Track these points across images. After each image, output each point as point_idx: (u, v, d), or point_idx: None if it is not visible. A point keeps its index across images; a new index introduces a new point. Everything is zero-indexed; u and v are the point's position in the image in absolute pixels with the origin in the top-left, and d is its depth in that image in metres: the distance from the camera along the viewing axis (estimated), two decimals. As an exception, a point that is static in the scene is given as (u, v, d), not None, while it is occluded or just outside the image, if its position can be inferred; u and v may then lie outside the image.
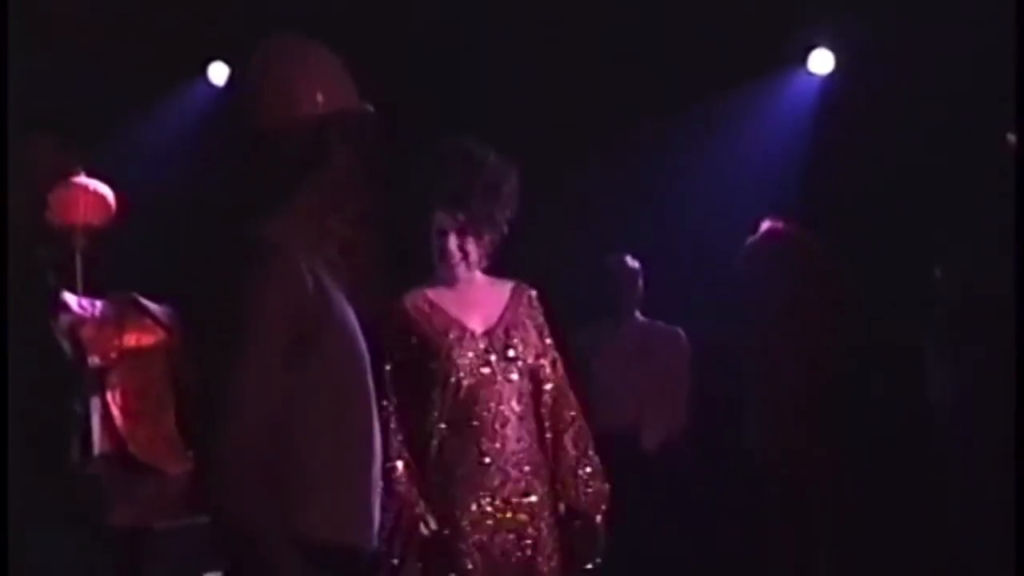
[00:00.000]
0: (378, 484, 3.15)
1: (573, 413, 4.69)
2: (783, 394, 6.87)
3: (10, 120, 4.75)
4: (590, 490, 4.62)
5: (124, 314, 5.81)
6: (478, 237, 4.59)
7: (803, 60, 8.05)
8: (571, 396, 4.72)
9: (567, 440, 4.64)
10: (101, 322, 5.75)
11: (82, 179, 6.13)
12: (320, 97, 3.11)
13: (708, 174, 7.88)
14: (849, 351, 6.94)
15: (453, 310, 4.61)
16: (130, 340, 5.78)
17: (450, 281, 4.64)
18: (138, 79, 7.58)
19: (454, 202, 4.56)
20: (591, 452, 4.68)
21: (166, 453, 5.67)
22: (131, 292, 5.85)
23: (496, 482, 4.47)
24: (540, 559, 4.52)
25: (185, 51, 7.84)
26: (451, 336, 4.54)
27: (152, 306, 5.79)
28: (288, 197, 3.10)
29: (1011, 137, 6.50)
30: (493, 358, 4.55)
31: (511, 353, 4.57)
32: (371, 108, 3.24)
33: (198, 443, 3.01)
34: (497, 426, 4.48)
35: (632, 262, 7.20)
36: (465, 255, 4.59)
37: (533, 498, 4.52)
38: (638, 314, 7.23)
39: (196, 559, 4.50)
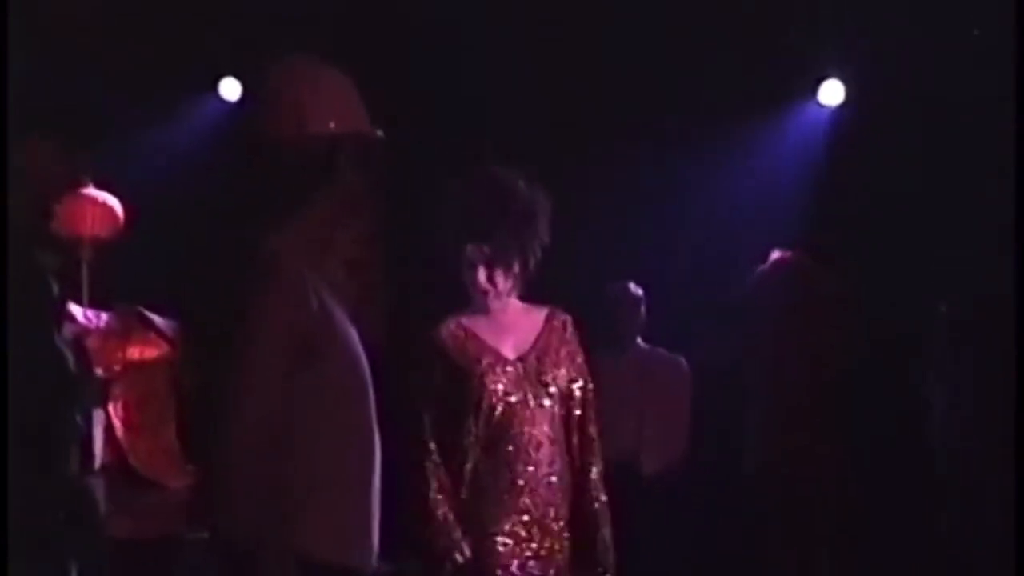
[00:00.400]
0: (376, 504, 3.15)
1: (595, 431, 4.76)
2: (785, 398, 6.89)
3: (16, 127, 4.77)
4: (600, 501, 4.69)
5: (129, 327, 5.84)
6: (507, 268, 4.63)
7: (813, 91, 8.07)
8: (594, 416, 4.78)
9: (590, 456, 4.71)
10: (106, 334, 5.78)
11: (91, 190, 6.15)
12: (332, 117, 3.14)
13: (717, 203, 7.89)
14: (851, 358, 6.95)
15: (487, 337, 4.65)
16: (134, 353, 5.81)
17: (484, 309, 4.68)
18: (150, 93, 7.61)
19: (481, 236, 4.61)
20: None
21: (167, 466, 5.69)
22: (136, 305, 5.87)
23: (529, 504, 4.51)
24: None
25: (197, 66, 7.86)
26: (484, 362, 4.59)
27: (157, 319, 5.82)
28: (295, 212, 3.13)
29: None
30: (526, 384, 4.59)
31: (544, 379, 4.62)
32: (380, 133, 3.27)
33: (199, 455, 3.02)
34: (531, 450, 4.52)
35: (635, 289, 7.20)
36: (494, 285, 4.64)
37: (562, 522, 4.57)
38: (640, 341, 7.23)
39: (195, 571, 4.51)
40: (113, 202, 6.16)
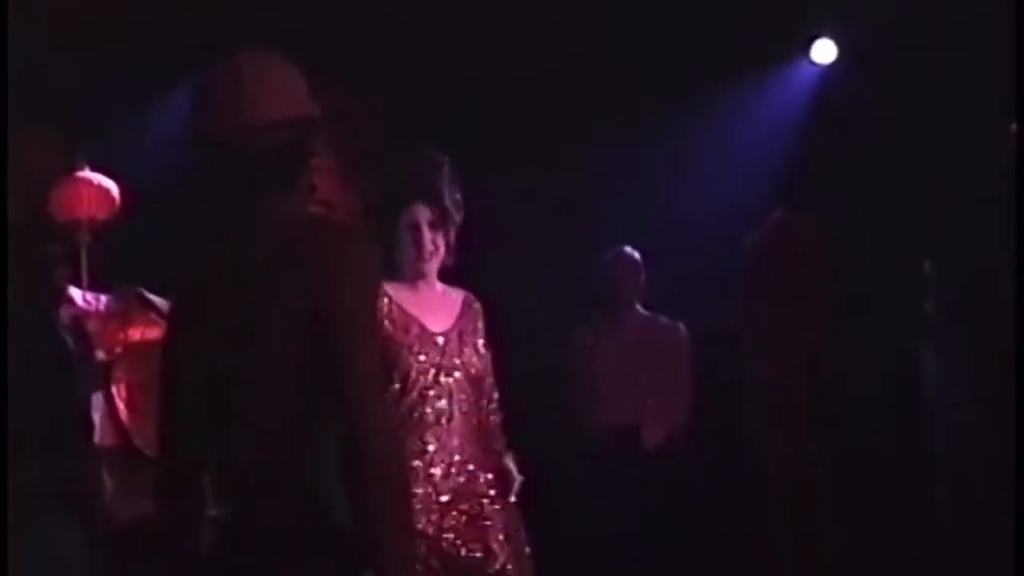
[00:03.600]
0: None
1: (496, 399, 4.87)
2: (781, 387, 6.88)
3: (15, 111, 4.78)
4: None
5: (129, 308, 5.84)
6: (447, 232, 4.71)
7: (806, 50, 8.05)
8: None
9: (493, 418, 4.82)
10: (106, 316, 5.78)
11: (87, 173, 6.16)
12: (284, 106, 3.15)
13: (709, 164, 7.88)
14: (846, 344, 6.95)
15: (412, 309, 4.69)
16: (135, 334, 5.82)
17: (412, 278, 4.72)
18: (144, 73, 7.59)
19: (429, 196, 4.68)
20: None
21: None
22: (136, 286, 5.88)
23: (439, 473, 4.57)
24: (493, 543, 4.62)
25: (191, 45, 7.84)
26: (411, 334, 4.64)
27: (157, 300, 5.81)
28: (254, 204, 3.15)
29: (1013, 127, 6.52)
30: (446, 359, 4.66)
31: (463, 358, 4.68)
32: (322, 118, 3.28)
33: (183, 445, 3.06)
34: (443, 421, 4.59)
35: (633, 254, 7.14)
36: (436, 249, 4.69)
37: (479, 482, 4.65)
38: (639, 307, 7.16)
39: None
40: (110, 184, 6.16)
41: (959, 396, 6.79)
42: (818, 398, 6.86)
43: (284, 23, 7.29)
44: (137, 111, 7.64)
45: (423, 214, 4.70)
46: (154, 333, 5.83)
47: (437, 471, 4.57)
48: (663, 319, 7.16)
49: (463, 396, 4.66)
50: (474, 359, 4.73)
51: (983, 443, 6.58)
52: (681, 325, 7.14)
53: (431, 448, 4.57)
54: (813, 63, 8.08)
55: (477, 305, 4.86)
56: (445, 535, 4.55)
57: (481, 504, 4.63)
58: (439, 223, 4.70)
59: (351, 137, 8.21)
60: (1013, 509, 5.62)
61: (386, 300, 4.66)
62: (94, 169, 6.14)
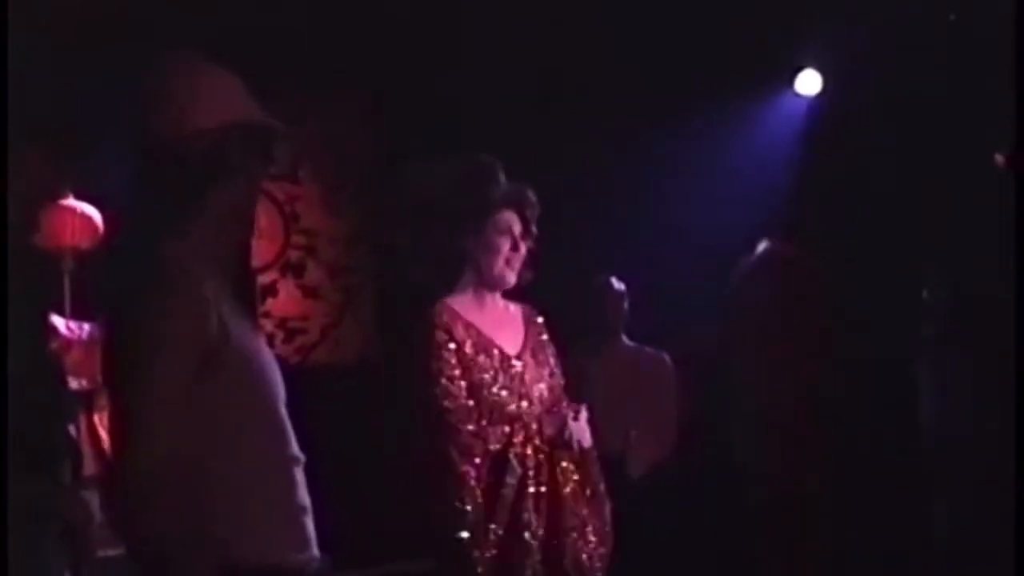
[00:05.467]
0: (301, 504, 3.13)
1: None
2: (777, 416, 6.87)
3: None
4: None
5: (112, 337, 5.81)
6: (528, 246, 4.51)
7: (790, 81, 8.09)
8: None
9: None
10: (88, 345, 5.75)
11: (71, 201, 6.14)
12: (213, 113, 3.06)
13: (696, 195, 7.88)
14: (841, 369, 6.95)
15: (486, 329, 4.47)
16: (117, 363, 5.78)
17: (479, 294, 4.48)
18: (125, 100, 7.58)
19: (520, 204, 4.48)
20: None
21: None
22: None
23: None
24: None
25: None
26: (492, 356, 4.43)
27: (140, 329, 5.79)
28: (190, 216, 3.06)
29: (999, 157, 6.54)
30: (527, 382, 4.47)
31: (538, 374, 4.51)
32: (274, 124, 3.19)
33: (111, 470, 3.00)
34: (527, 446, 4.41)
35: (618, 284, 7.12)
36: (520, 261, 4.49)
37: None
38: (624, 338, 7.16)
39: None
40: (93, 213, 6.14)
41: (958, 421, 6.80)
42: (815, 427, 6.86)
43: (276, 42, 7.31)
44: (124, 134, 7.62)
45: (514, 221, 4.48)
46: (137, 362, 5.81)
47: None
48: (648, 349, 7.15)
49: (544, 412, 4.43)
50: (550, 375, 4.53)
51: (982, 467, 6.58)
52: (666, 356, 7.13)
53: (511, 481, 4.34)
54: (798, 94, 8.11)
55: (539, 318, 4.64)
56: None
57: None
58: (525, 234, 4.49)
59: (338, 164, 8.21)
60: (1013, 531, 5.63)
61: (460, 322, 4.42)
62: (78, 197, 6.12)
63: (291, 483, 3.11)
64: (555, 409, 4.51)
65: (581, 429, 4.48)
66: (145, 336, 2.89)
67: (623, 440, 6.83)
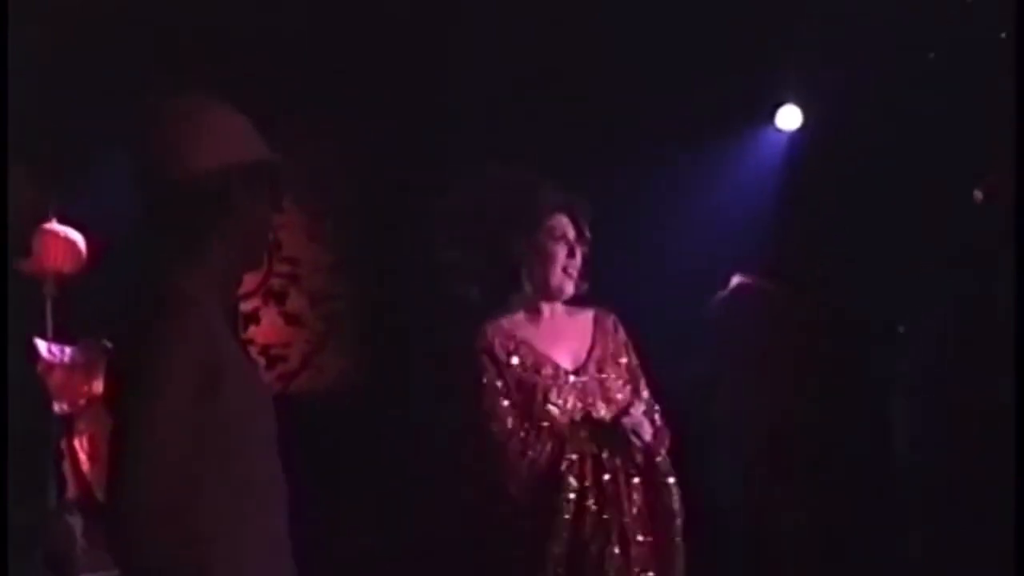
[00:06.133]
0: (284, 531, 3.21)
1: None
2: (750, 441, 6.90)
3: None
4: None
5: (93, 361, 5.84)
6: (584, 250, 4.31)
7: (771, 117, 8.07)
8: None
9: None
10: (71, 368, 5.78)
11: (54, 225, 6.17)
12: (216, 152, 3.14)
13: (676, 231, 7.91)
14: (816, 400, 6.97)
15: (540, 345, 4.25)
16: (99, 387, 5.81)
17: (535, 308, 4.26)
18: (111, 124, 7.61)
19: (572, 209, 4.28)
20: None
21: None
22: (100, 339, 5.88)
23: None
24: None
25: (162, 91, 7.86)
26: (543, 374, 4.22)
27: (122, 353, 5.81)
28: (197, 251, 3.15)
29: (978, 194, 6.59)
30: (587, 397, 4.24)
31: (604, 388, 4.28)
32: (278, 161, 3.27)
33: (107, 493, 3.04)
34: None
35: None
36: (574, 269, 4.27)
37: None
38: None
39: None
40: (76, 237, 6.18)
41: (932, 453, 6.83)
42: (789, 456, 6.88)
43: (260, 65, 7.35)
44: (108, 161, 7.66)
45: (568, 226, 4.26)
46: (118, 386, 5.83)
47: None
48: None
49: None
50: (620, 384, 4.28)
51: (960, 499, 6.62)
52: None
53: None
54: (778, 130, 8.09)
55: (612, 319, 4.40)
56: None
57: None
58: (580, 238, 4.28)
59: (320, 192, 8.24)
60: (991, 558, 5.67)
61: (511, 342, 4.20)
62: (62, 220, 6.15)
63: (276, 510, 3.19)
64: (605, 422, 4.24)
65: (636, 421, 4.21)
66: (145, 362, 2.97)
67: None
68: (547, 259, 4.23)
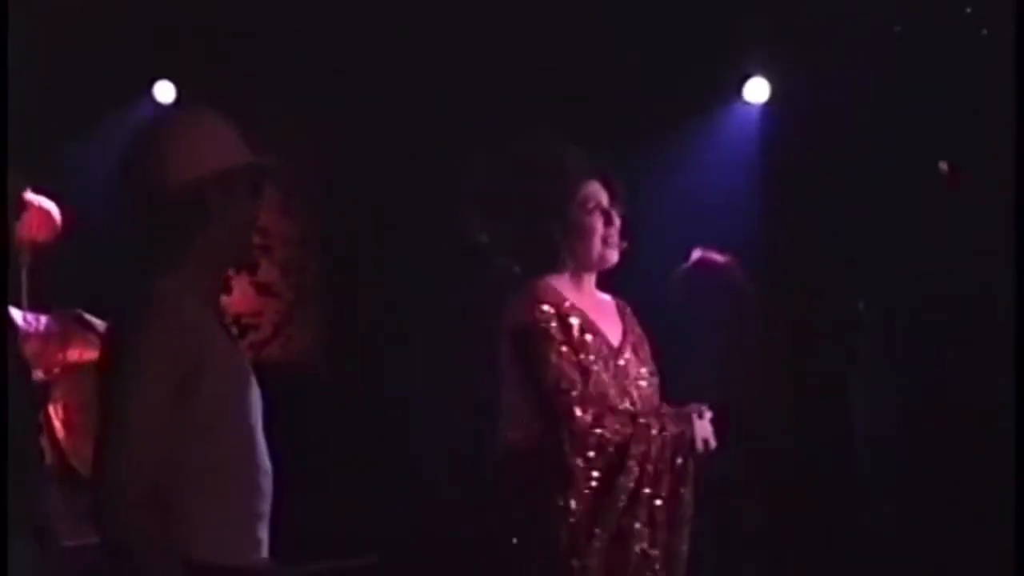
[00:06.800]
0: (266, 511, 3.41)
1: None
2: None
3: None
4: None
5: (68, 329, 5.86)
6: (618, 214, 4.10)
7: (738, 90, 8.11)
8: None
9: None
10: (45, 337, 5.80)
11: (28, 195, 6.17)
12: (195, 162, 3.32)
13: (646, 206, 7.91)
14: (775, 378, 7.02)
15: (591, 314, 4.05)
16: (73, 355, 5.84)
17: (577, 277, 4.05)
18: (85, 96, 7.64)
19: (605, 175, 4.10)
20: None
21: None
22: (75, 308, 5.91)
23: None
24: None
25: (131, 69, 7.90)
26: (595, 345, 4.03)
27: (97, 322, 5.84)
28: (180, 253, 3.35)
29: (943, 165, 6.65)
30: (624, 379, 4.08)
31: (637, 374, 4.14)
32: (256, 165, 3.44)
33: (92, 473, 3.23)
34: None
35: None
36: (614, 236, 4.07)
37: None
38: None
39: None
40: (50, 206, 6.18)
41: (886, 432, 6.90)
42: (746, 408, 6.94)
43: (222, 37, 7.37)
44: (79, 134, 7.68)
45: (600, 193, 4.06)
46: (92, 354, 5.83)
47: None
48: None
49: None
50: (645, 379, 4.10)
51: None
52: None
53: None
54: (746, 103, 8.12)
55: (629, 309, 4.22)
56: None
57: None
58: (614, 202, 4.09)
59: (292, 169, 8.28)
60: (938, 531, 5.74)
61: (565, 301, 3.95)
62: (36, 191, 6.16)
63: (257, 493, 3.39)
64: (668, 408, 4.13)
65: (706, 429, 4.09)
66: (131, 358, 3.20)
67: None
68: (585, 233, 4.05)
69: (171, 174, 3.29)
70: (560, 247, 4.02)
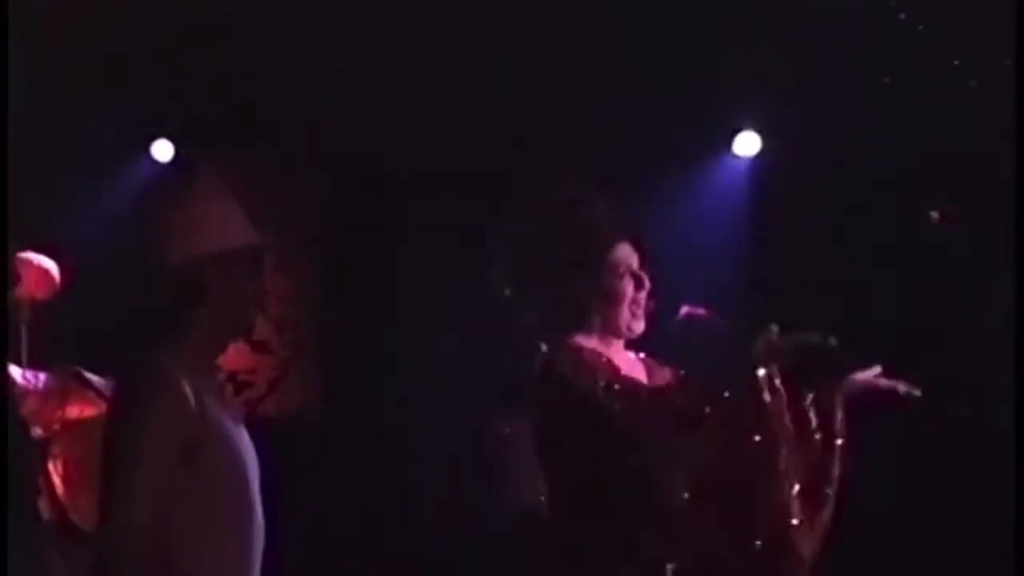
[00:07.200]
0: (256, 562, 3.47)
1: None
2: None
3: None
4: None
5: (66, 386, 5.90)
6: (647, 278, 3.79)
7: (728, 143, 8.08)
8: None
9: None
10: (44, 394, 5.84)
11: (27, 253, 6.22)
12: (194, 243, 3.41)
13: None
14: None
15: (624, 368, 3.74)
16: (72, 412, 5.89)
17: (605, 340, 3.73)
18: (84, 155, 7.69)
19: (630, 230, 3.79)
20: None
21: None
22: (74, 365, 5.95)
23: None
24: None
25: (129, 128, 7.95)
26: (636, 393, 3.66)
27: (95, 379, 5.89)
28: (181, 327, 3.42)
29: (934, 214, 6.69)
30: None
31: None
32: (255, 246, 3.52)
33: (96, 531, 3.34)
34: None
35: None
36: (643, 302, 3.78)
37: None
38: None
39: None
40: (49, 263, 6.23)
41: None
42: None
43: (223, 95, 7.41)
44: (79, 192, 7.73)
45: (632, 256, 3.75)
46: (91, 410, 5.90)
47: None
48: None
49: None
50: None
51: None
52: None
53: None
54: (736, 156, 8.10)
55: (651, 360, 3.89)
56: None
57: None
58: (643, 264, 3.78)
59: (286, 226, 8.32)
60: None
61: (600, 358, 3.61)
62: (35, 249, 6.21)
63: (251, 547, 3.47)
64: None
65: None
66: (135, 428, 3.28)
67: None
68: (614, 299, 3.73)
69: (171, 251, 3.38)
70: (588, 311, 3.73)
